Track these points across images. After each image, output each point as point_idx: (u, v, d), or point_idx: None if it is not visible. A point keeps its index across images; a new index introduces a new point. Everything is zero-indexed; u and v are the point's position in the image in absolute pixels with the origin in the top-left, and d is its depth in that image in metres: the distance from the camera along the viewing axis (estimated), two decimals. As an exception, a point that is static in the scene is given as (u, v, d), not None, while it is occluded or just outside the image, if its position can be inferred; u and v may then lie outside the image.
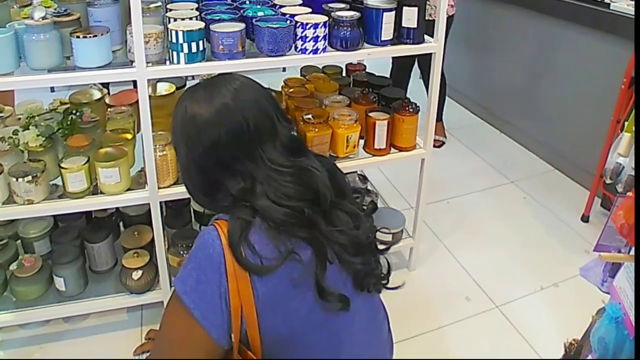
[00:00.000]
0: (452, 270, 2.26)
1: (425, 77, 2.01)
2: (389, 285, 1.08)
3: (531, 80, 3.18)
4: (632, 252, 0.80)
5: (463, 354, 1.85)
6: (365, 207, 1.09)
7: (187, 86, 2.07)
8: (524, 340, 1.91)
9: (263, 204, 0.91)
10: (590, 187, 2.58)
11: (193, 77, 2.54)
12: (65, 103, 1.94)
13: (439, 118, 3.22)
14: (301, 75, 2.25)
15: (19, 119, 1.85)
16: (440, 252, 2.35)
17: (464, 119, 3.59)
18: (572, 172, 2.94)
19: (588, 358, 0.92)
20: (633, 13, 2.43)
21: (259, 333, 0.89)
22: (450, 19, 2.90)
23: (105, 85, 2.27)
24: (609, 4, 2.56)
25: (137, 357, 1.26)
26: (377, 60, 1.82)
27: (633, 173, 0.77)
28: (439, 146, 3.21)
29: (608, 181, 0.82)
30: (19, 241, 1.94)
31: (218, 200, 0.99)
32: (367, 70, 2.34)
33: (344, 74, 2.33)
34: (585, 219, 2.58)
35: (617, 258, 0.79)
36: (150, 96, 1.59)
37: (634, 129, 0.78)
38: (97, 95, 1.90)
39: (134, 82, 1.46)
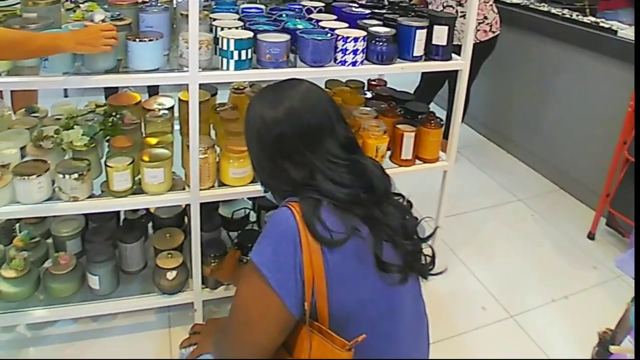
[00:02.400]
0: (467, 281, 2.33)
1: (452, 96, 2.10)
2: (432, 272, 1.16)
3: (537, 102, 3.29)
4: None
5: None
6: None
7: (218, 94, 2.16)
8: (538, 347, 1.98)
9: (327, 187, 1.03)
10: (595, 206, 2.69)
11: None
12: (101, 105, 2.01)
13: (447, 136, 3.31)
14: (326, 88, 2.35)
15: (57, 119, 1.92)
16: (455, 264, 2.42)
17: (470, 138, 3.68)
18: (577, 192, 3.04)
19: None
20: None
21: (327, 305, 0.97)
22: (488, 44, 2.95)
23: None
24: (616, 31, 2.70)
25: (183, 350, 1.30)
26: (398, 76, 1.92)
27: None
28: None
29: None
30: (50, 240, 1.98)
31: (282, 185, 1.10)
32: (387, 86, 2.45)
33: (365, 88, 2.42)
34: (591, 236, 2.67)
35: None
36: (185, 101, 1.68)
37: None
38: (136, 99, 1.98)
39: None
